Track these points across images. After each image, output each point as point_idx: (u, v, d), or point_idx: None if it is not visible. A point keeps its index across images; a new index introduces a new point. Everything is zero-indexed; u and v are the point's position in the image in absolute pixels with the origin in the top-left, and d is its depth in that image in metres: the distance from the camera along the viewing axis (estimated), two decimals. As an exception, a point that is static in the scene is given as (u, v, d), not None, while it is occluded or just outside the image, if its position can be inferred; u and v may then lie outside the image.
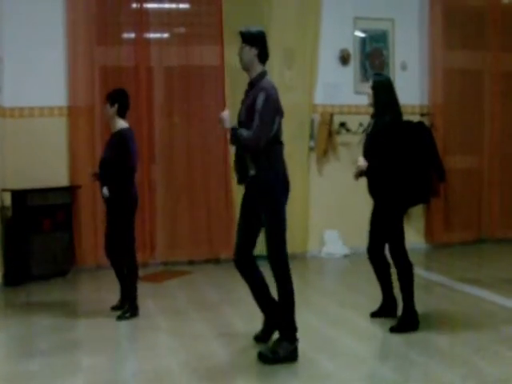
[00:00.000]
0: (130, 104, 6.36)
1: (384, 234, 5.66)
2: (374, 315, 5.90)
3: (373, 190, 5.68)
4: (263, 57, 4.83)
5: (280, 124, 4.91)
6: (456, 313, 6.09)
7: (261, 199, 4.80)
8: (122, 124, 6.18)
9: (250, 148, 4.75)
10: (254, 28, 4.89)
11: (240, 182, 5.01)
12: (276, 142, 4.87)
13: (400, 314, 5.59)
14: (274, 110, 4.78)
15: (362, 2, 9.14)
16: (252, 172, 4.82)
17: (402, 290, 5.51)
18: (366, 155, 5.65)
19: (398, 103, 5.77)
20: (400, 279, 5.50)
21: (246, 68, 4.87)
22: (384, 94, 5.67)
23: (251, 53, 4.79)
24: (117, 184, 6.05)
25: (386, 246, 5.67)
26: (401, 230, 5.56)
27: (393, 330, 5.44)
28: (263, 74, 4.84)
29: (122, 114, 6.20)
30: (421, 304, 6.30)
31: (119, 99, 6.20)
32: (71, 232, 8.01)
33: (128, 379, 4.53)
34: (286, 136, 8.74)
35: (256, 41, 4.78)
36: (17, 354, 5.19)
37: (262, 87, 4.77)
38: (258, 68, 4.83)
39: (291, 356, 4.78)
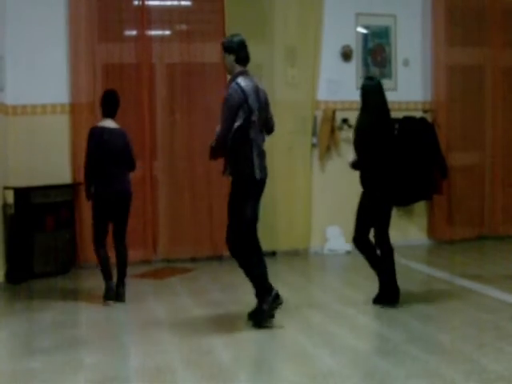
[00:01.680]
0: (113, 103, 6.52)
1: (371, 222, 6.11)
2: (375, 301, 6.14)
3: (362, 181, 6.12)
4: (241, 60, 5.56)
5: (249, 119, 5.37)
6: (458, 309, 6.09)
7: (231, 189, 5.60)
8: (100, 123, 6.46)
9: (218, 143, 5.43)
10: (234, 38, 5.65)
11: (223, 173, 5.70)
12: (244, 141, 5.39)
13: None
14: (232, 107, 5.32)
15: (364, -2, 9.16)
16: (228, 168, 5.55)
17: (385, 271, 6.08)
18: (355, 149, 6.11)
19: (386, 104, 6.08)
20: (383, 262, 6.08)
21: (229, 72, 5.65)
22: (373, 96, 6.02)
23: (230, 59, 5.56)
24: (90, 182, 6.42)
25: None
26: (387, 220, 6.07)
27: (374, 301, 6.10)
28: (237, 74, 5.51)
29: (104, 114, 6.47)
30: (423, 300, 6.34)
31: (101, 101, 6.53)
32: (74, 229, 8.03)
33: (130, 376, 4.53)
34: (289, 132, 8.85)
35: (232, 48, 5.54)
36: (19, 351, 5.19)
37: (228, 89, 5.46)
38: (237, 70, 5.54)
39: (274, 303, 5.46)
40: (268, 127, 5.72)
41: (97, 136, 6.35)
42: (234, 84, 5.42)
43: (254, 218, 5.57)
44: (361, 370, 4.54)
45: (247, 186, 5.46)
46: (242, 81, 5.43)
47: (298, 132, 8.75)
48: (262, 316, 5.48)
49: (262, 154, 5.51)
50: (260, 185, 5.52)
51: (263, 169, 5.50)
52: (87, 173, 6.38)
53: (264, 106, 5.56)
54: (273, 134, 5.88)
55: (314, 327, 5.62)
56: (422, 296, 6.64)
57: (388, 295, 6.05)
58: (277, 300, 5.48)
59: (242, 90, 5.36)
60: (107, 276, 6.44)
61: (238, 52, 5.54)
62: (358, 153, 6.04)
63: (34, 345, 5.27)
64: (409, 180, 9.01)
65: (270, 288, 5.50)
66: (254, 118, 5.40)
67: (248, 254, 5.52)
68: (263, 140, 5.59)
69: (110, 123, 6.45)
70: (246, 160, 5.40)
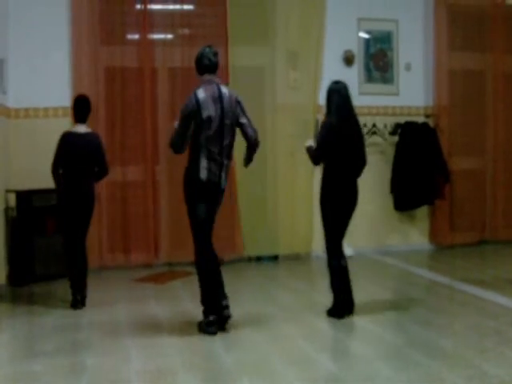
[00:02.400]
0: (83, 108, 6.59)
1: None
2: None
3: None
4: (199, 70, 5.69)
5: (201, 128, 5.45)
6: (459, 314, 6.09)
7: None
8: (72, 128, 6.61)
9: (170, 145, 5.72)
10: (199, 49, 5.79)
11: None
12: (195, 145, 5.52)
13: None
14: (185, 116, 5.51)
15: (366, 3, 9.16)
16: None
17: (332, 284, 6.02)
18: None
19: (348, 107, 5.97)
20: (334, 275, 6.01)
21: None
22: (335, 99, 5.94)
23: None
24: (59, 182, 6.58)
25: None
26: (330, 228, 6.08)
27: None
28: (200, 84, 5.62)
29: (76, 119, 6.58)
30: (424, 305, 6.33)
31: (72, 107, 6.66)
32: (75, 233, 8.02)
33: (131, 379, 4.52)
34: (290, 135, 8.85)
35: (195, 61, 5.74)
36: (21, 354, 5.19)
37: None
38: (201, 79, 5.67)
39: (206, 329, 5.48)
40: (247, 137, 5.70)
41: (67, 141, 6.48)
42: (192, 94, 5.55)
43: (205, 221, 5.61)
44: (362, 375, 4.53)
45: (192, 187, 5.56)
46: (200, 92, 5.52)
47: (300, 135, 8.74)
48: (200, 326, 5.58)
49: (213, 160, 5.50)
50: (208, 187, 5.54)
51: (212, 173, 5.51)
52: (53, 174, 6.50)
53: (230, 113, 5.55)
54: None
55: (315, 331, 5.62)
56: (424, 301, 6.63)
57: (335, 307, 5.93)
58: (209, 327, 5.50)
59: (197, 101, 5.46)
60: (74, 287, 6.46)
61: (196, 63, 5.71)
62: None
63: (35, 348, 5.26)
64: (411, 185, 9.07)
65: (206, 308, 5.59)
66: (207, 126, 5.45)
67: (202, 261, 5.68)
68: (220, 149, 5.53)
69: (81, 128, 6.55)
70: (194, 162, 5.53)
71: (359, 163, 6.02)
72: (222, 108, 5.51)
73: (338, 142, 5.83)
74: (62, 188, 6.50)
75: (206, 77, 5.63)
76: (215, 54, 5.71)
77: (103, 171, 6.66)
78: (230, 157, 5.66)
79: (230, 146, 5.63)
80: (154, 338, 5.42)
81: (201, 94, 5.50)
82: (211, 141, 5.48)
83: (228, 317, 5.57)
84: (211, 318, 5.51)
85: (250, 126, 5.66)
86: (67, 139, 6.49)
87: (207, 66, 5.64)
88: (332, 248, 6.03)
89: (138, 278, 7.78)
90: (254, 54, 8.75)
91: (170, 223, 8.49)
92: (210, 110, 5.45)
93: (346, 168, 5.89)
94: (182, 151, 5.62)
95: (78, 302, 6.42)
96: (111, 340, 5.43)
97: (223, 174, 5.58)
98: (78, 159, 6.44)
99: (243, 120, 5.63)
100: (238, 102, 5.63)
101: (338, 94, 5.93)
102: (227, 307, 5.59)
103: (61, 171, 6.50)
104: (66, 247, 6.58)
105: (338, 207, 5.98)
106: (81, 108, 6.57)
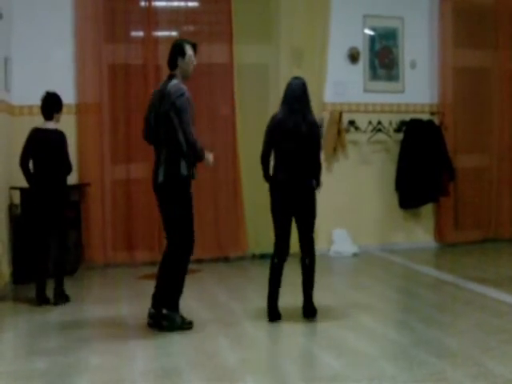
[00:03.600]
0: (49, 106, 6.57)
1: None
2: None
3: None
4: (169, 65, 5.64)
5: (151, 125, 5.59)
6: (464, 312, 6.06)
7: None
8: (40, 124, 6.60)
9: None
10: None
11: None
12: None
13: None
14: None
15: (371, 0, 9.14)
16: None
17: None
18: None
19: (296, 104, 5.75)
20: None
21: None
22: (288, 93, 5.81)
23: None
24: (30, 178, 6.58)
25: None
26: (276, 225, 5.87)
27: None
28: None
29: (43, 116, 6.58)
30: (429, 303, 6.30)
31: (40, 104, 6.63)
32: (80, 230, 8.02)
33: (136, 378, 4.51)
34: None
35: None
36: (25, 352, 5.18)
37: None
38: None
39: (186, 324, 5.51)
40: None
41: (34, 136, 6.52)
42: None
43: None
44: (367, 374, 4.50)
45: None
46: (156, 90, 5.68)
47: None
48: (176, 324, 5.50)
49: (156, 160, 5.52)
50: (155, 190, 5.57)
51: (153, 175, 5.53)
52: (22, 169, 6.49)
53: (163, 115, 5.40)
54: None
55: (319, 330, 5.60)
56: (428, 299, 6.62)
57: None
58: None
59: (155, 90, 5.71)
60: (40, 298, 6.46)
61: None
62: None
63: (39, 345, 5.24)
64: (416, 182, 9.05)
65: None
66: (151, 120, 5.55)
67: None
68: (161, 147, 5.49)
69: (49, 124, 6.56)
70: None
71: (314, 166, 5.92)
72: (159, 110, 5.45)
73: (279, 135, 5.69)
74: (33, 183, 6.53)
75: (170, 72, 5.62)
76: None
77: (66, 169, 6.65)
78: (171, 145, 5.41)
79: (170, 139, 5.41)
80: (157, 336, 5.40)
81: (155, 91, 5.66)
82: (154, 139, 5.58)
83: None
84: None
85: (182, 130, 5.35)
86: (34, 134, 6.52)
87: (168, 62, 5.70)
88: (275, 245, 5.94)
89: (141, 275, 7.77)
90: (258, 51, 8.74)
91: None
92: (151, 104, 5.57)
93: (286, 164, 5.72)
94: (149, 142, 5.70)
95: (45, 298, 6.45)
96: (115, 338, 5.41)
97: (161, 168, 5.44)
98: (46, 153, 6.47)
99: (174, 122, 5.36)
100: (172, 104, 5.34)
101: (289, 88, 5.82)
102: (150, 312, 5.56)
103: (32, 167, 6.50)
104: (38, 247, 6.56)
105: (276, 203, 5.81)
106: (46, 105, 6.57)
